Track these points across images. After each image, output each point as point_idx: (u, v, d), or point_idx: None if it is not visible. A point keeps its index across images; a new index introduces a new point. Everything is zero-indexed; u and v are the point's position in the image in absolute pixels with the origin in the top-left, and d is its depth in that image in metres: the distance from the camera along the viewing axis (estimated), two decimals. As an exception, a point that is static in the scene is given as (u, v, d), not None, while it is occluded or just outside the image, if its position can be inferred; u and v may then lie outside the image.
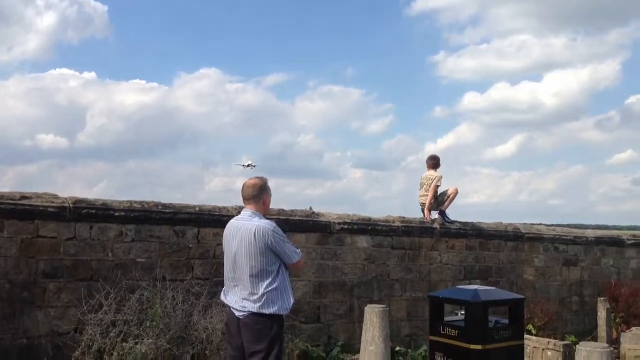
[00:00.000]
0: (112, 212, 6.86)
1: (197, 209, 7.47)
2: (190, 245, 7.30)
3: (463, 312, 5.14)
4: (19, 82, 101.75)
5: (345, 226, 8.50)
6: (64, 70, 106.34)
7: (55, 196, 6.72)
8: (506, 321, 5.11)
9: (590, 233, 11.78)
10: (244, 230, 4.27)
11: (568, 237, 11.05)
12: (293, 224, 7.92)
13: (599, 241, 11.40)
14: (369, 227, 8.76)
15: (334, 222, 8.42)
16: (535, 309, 9.48)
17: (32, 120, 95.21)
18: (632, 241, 11.93)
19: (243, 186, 4.45)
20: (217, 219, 7.31)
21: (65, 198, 6.73)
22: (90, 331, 6.30)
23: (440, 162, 9.72)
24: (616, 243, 11.71)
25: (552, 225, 12.70)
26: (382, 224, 8.93)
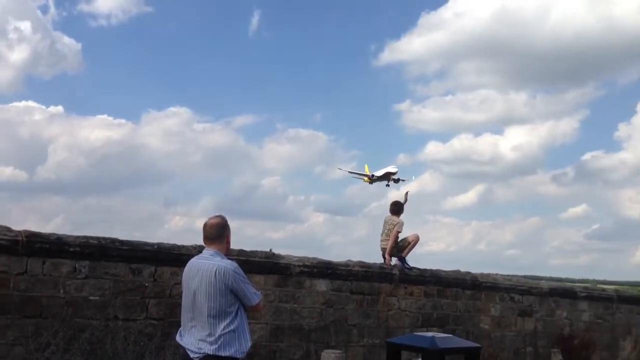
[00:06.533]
0: (66, 247, 6.68)
1: (155, 246, 7.34)
2: (147, 284, 7.14)
3: (420, 359, 5.15)
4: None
5: (305, 269, 8.46)
6: (30, 103, 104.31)
7: (9, 229, 6.51)
8: (462, 370, 5.13)
9: (544, 284, 12.01)
10: (205, 269, 4.21)
11: (523, 287, 11.23)
12: (252, 265, 7.84)
13: (553, 292, 11.61)
14: (329, 271, 8.74)
15: (294, 265, 8.38)
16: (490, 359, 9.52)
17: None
18: (585, 294, 12.21)
19: (205, 225, 4.41)
20: (175, 257, 7.19)
21: (19, 231, 6.53)
22: (36, 371, 6.04)
23: (403, 209, 9.82)
24: (569, 295, 11.94)
25: (508, 275, 12.90)
26: (342, 268, 8.92)
